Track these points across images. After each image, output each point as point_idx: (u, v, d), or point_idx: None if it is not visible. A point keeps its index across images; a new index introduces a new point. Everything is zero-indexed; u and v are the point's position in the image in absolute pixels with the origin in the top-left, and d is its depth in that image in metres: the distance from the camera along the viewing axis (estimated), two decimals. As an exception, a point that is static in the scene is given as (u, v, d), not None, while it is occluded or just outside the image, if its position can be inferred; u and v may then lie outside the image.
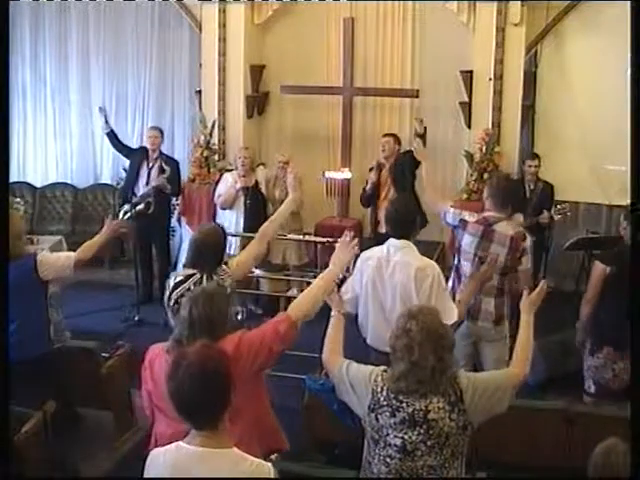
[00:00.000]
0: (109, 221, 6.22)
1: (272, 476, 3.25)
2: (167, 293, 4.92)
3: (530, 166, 9.03)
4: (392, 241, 5.38)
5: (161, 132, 9.82)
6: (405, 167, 8.62)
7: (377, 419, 3.84)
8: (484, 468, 4.47)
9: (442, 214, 6.27)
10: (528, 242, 6.00)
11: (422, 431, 3.75)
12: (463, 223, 6.02)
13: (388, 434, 3.82)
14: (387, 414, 3.81)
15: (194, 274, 4.89)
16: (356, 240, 4.81)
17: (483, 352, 6.15)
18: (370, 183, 8.89)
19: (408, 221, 5.47)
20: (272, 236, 5.75)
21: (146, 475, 3.39)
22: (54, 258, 5.77)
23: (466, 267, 6.02)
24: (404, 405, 3.78)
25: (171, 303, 4.84)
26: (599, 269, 6.00)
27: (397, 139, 8.98)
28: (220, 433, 3.24)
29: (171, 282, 4.93)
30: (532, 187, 8.99)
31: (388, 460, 3.84)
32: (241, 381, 3.53)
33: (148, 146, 9.65)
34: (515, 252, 5.90)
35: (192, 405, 3.20)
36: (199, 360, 3.23)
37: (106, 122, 9.88)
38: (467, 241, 6.00)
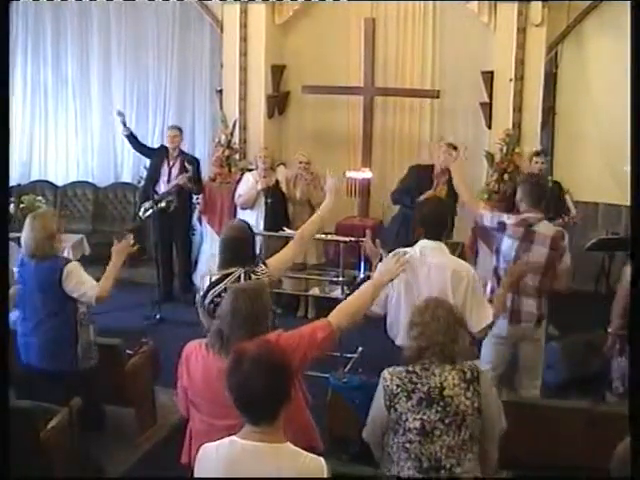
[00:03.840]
0: (115, 247, 5.98)
1: (325, 470, 3.26)
2: (201, 292, 4.91)
3: (537, 162, 8.73)
4: (425, 242, 5.31)
5: (180, 131, 9.87)
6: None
7: (395, 409, 3.95)
8: (507, 467, 4.48)
9: (478, 218, 6.22)
10: (566, 241, 6.06)
11: (439, 408, 3.88)
12: (502, 226, 5.96)
13: (407, 419, 3.93)
14: (404, 399, 3.93)
15: (232, 272, 4.85)
16: (405, 258, 4.86)
17: (521, 352, 6.16)
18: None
19: (442, 222, 5.43)
20: (310, 238, 5.70)
21: (197, 470, 3.41)
22: (83, 279, 5.62)
23: (505, 270, 5.94)
24: (419, 385, 3.92)
25: (206, 302, 4.84)
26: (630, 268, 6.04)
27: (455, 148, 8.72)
28: (276, 428, 3.25)
29: (206, 282, 4.91)
30: None
31: (407, 445, 3.94)
32: None
33: (168, 145, 9.70)
34: (556, 252, 5.92)
35: (253, 398, 3.19)
36: (266, 353, 3.25)
37: (124, 125, 9.93)
38: (507, 244, 5.95)
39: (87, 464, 5.42)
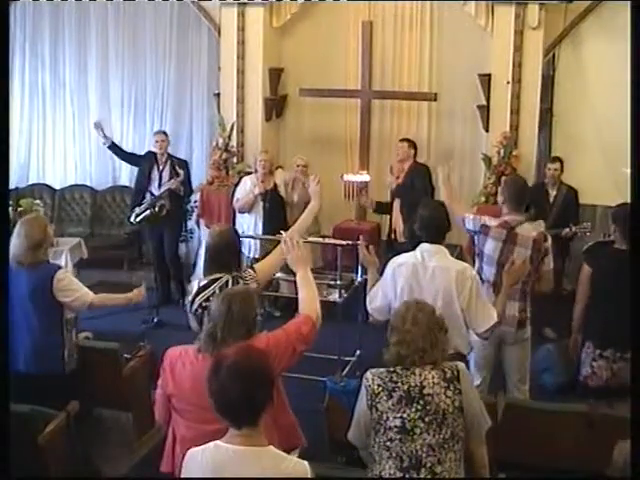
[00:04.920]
0: (139, 290, 6.01)
1: (309, 473, 3.29)
2: (190, 298, 4.89)
3: (550, 169, 8.83)
4: (425, 246, 5.32)
5: (167, 135, 9.87)
6: (415, 179, 8.67)
7: (377, 408, 3.95)
8: (505, 470, 4.48)
9: (460, 221, 6.22)
10: (549, 242, 6.05)
11: (419, 407, 3.88)
12: (485, 228, 5.99)
13: (388, 418, 3.92)
14: (384, 398, 3.93)
15: (219, 278, 4.83)
16: (294, 239, 4.78)
17: (505, 355, 6.17)
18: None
19: (442, 226, 5.43)
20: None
21: (183, 474, 3.44)
22: (75, 285, 5.63)
23: (488, 272, 6.00)
24: (399, 384, 3.92)
25: (194, 308, 4.82)
26: (585, 270, 6.12)
27: (412, 144, 8.96)
28: (258, 432, 3.28)
29: (194, 287, 4.90)
30: (555, 192, 8.77)
31: (388, 444, 3.93)
32: None
33: (157, 150, 9.69)
34: (538, 253, 5.94)
35: (234, 404, 3.21)
36: (240, 360, 3.25)
37: (105, 136, 9.95)
38: (490, 246, 5.98)
39: (85, 468, 5.42)
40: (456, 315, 5.17)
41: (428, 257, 5.29)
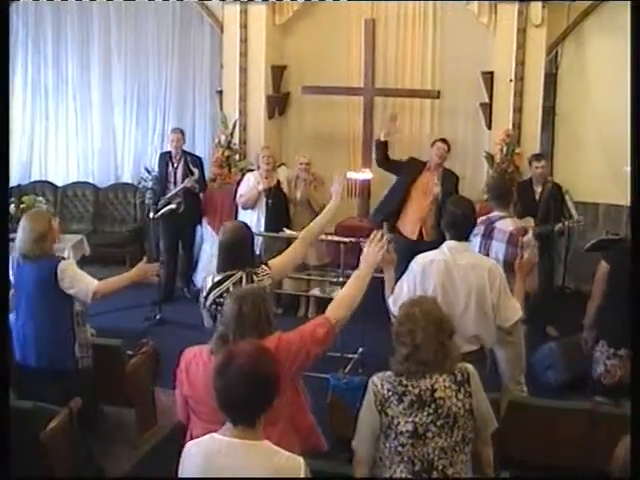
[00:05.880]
0: (142, 263, 6.00)
1: (303, 469, 3.28)
2: (204, 294, 4.88)
3: (537, 167, 8.70)
4: (452, 243, 5.30)
5: (183, 133, 9.91)
6: (448, 187, 8.48)
7: (386, 413, 3.90)
8: (508, 468, 4.47)
9: None
10: (529, 237, 6.08)
11: (431, 411, 3.84)
12: None
13: (399, 423, 3.88)
14: (395, 402, 3.88)
15: (233, 274, 4.82)
16: (385, 238, 4.75)
17: (497, 353, 6.18)
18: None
19: (471, 223, 5.45)
20: (313, 240, 5.67)
21: (180, 466, 3.44)
22: (78, 275, 5.58)
23: None
24: (410, 388, 3.88)
25: (208, 304, 4.82)
26: (602, 267, 6.09)
27: (449, 146, 8.71)
28: (256, 429, 3.27)
29: (208, 283, 4.88)
30: (540, 189, 8.66)
31: (400, 449, 3.89)
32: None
33: (171, 148, 9.76)
34: (515, 247, 5.95)
35: (235, 403, 3.23)
36: (250, 362, 3.24)
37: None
38: (472, 241, 5.94)
39: (87, 465, 5.42)
40: (487, 311, 5.19)
41: (458, 255, 5.27)
